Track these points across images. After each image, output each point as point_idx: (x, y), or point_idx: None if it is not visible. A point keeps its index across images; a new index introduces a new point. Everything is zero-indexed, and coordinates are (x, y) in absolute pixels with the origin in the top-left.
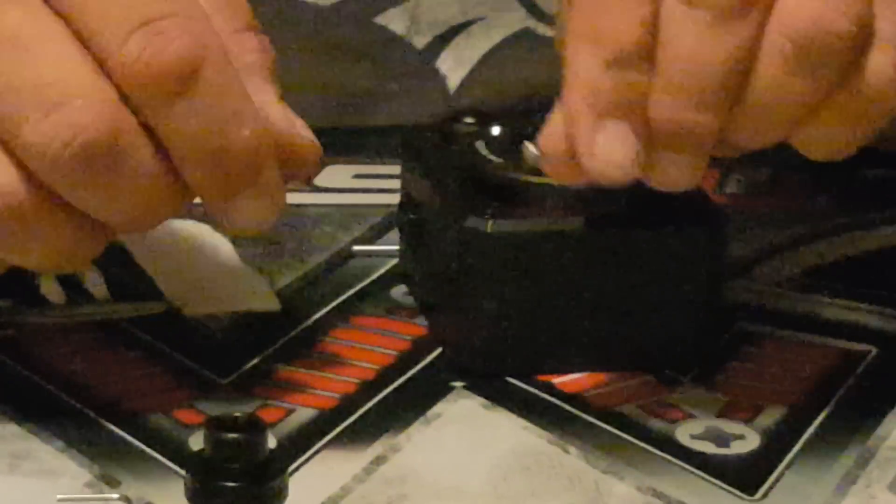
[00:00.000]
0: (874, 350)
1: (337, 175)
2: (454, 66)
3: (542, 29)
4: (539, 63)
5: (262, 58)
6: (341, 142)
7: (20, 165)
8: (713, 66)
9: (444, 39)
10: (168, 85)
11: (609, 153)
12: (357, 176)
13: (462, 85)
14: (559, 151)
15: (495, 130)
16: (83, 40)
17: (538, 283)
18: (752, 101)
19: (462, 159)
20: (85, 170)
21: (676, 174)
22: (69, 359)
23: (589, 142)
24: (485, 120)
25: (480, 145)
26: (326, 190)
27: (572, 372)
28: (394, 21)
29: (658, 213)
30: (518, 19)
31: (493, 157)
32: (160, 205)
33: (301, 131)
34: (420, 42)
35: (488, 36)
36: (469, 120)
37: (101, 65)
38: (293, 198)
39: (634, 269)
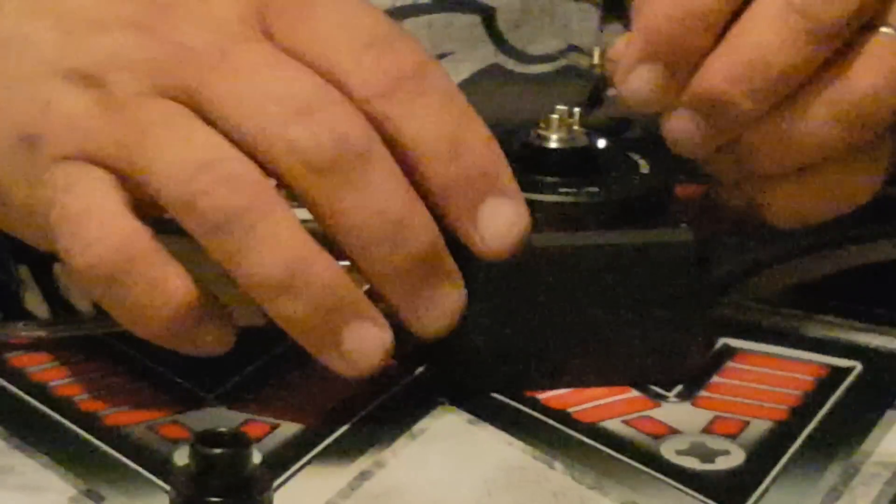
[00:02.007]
0: (859, 366)
1: None
2: None
3: (511, 64)
4: (508, 98)
5: None
6: None
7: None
8: (779, 65)
9: None
10: (406, 86)
11: (638, 89)
12: None
13: None
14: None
15: None
16: (316, 67)
17: (523, 300)
18: (790, 121)
19: None
20: (346, 164)
21: (693, 135)
22: (54, 374)
23: (628, 71)
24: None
25: None
26: None
27: (559, 388)
28: None
29: (641, 230)
30: (487, 55)
31: None
32: (406, 210)
33: None
34: None
35: (457, 70)
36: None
37: (339, 87)
38: None
39: (618, 285)
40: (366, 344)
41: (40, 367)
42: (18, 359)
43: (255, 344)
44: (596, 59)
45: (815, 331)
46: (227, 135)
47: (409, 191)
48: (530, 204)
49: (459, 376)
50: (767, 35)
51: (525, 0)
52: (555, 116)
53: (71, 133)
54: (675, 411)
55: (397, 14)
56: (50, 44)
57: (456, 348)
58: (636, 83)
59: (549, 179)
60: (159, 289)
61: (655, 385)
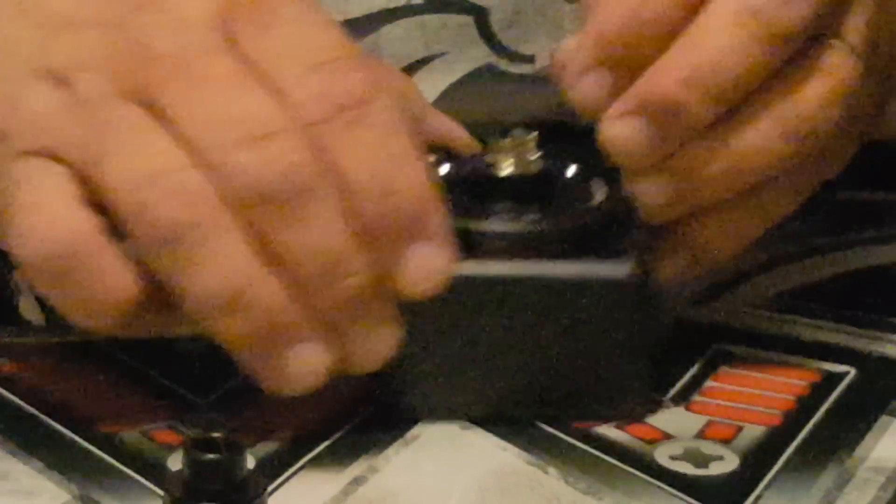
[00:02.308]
0: (853, 371)
1: None
2: None
3: (505, 64)
4: (501, 98)
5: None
6: None
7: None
8: (733, 70)
9: (406, 74)
10: (345, 115)
11: (588, 95)
12: None
13: None
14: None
15: (441, 170)
16: (265, 79)
17: (455, 328)
18: (737, 135)
19: None
20: (290, 197)
21: (637, 142)
22: (48, 379)
23: (578, 76)
24: (446, 157)
25: None
26: None
27: (494, 419)
28: None
29: (581, 262)
30: (480, 55)
31: None
32: (346, 247)
33: (459, 132)
34: None
35: (450, 71)
36: (429, 158)
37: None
38: None
39: (552, 319)
40: (304, 366)
41: (34, 372)
42: (12, 365)
43: None
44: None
45: (809, 336)
46: (183, 145)
47: (349, 227)
48: (469, 233)
49: (396, 402)
50: (722, 39)
51: (517, 0)
52: (507, 141)
53: (36, 130)
54: (668, 416)
55: (391, 15)
56: (27, 43)
57: (391, 375)
58: (586, 89)
59: (499, 207)
60: (102, 283)
61: (594, 420)
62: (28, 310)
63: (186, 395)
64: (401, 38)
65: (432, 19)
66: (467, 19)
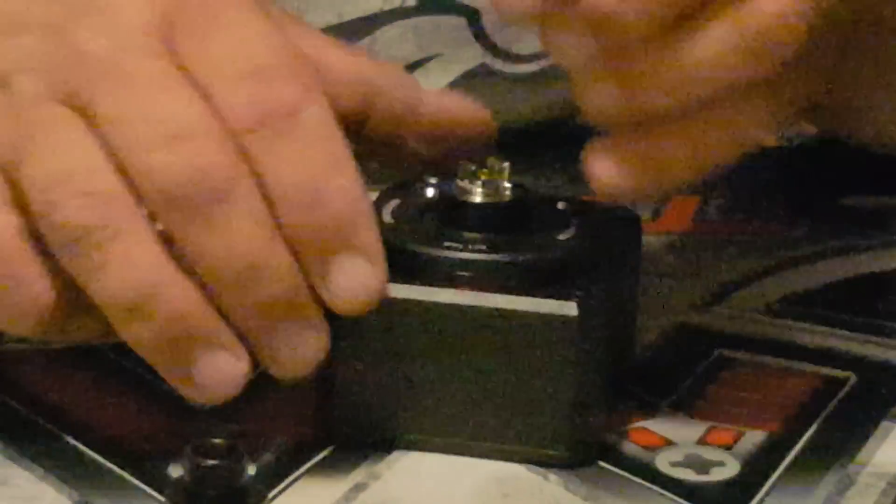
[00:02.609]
0: (853, 377)
1: None
2: None
3: (500, 65)
4: (497, 98)
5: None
6: None
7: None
8: None
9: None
10: (274, 124)
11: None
12: None
13: None
14: None
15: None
16: (195, 84)
17: (395, 354)
18: (688, 45)
19: None
20: (202, 200)
21: (576, 53)
22: (48, 384)
23: None
24: (422, 181)
25: (387, 210)
26: None
27: (434, 450)
28: None
29: (528, 296)
30: (475, 55)
31: (392, 222)
32: (261, 254)
33: (472, 111)
34: None
35: (446, 72)
36: (432, 180)
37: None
38: None
39: (493, 352)
40: (218, 374)
41: (34, 378)
42: (12, 370)
43: None
44: None
45: (810, 341)
46: (104, 146)
47: (269, 234)
48: (424, 257)
49: (333, 427)
50: None
51: None
52: (480, 168)
53: None
54: (669, 422)
55: (385, 18)
56: None
57: (331, 398)
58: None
59: (465, 235)
60: (18, 288)
61: (541, 462)
62: None
63: (184, 400)
64: (395, 41)
65: (426, 21)
66: (460, 21)
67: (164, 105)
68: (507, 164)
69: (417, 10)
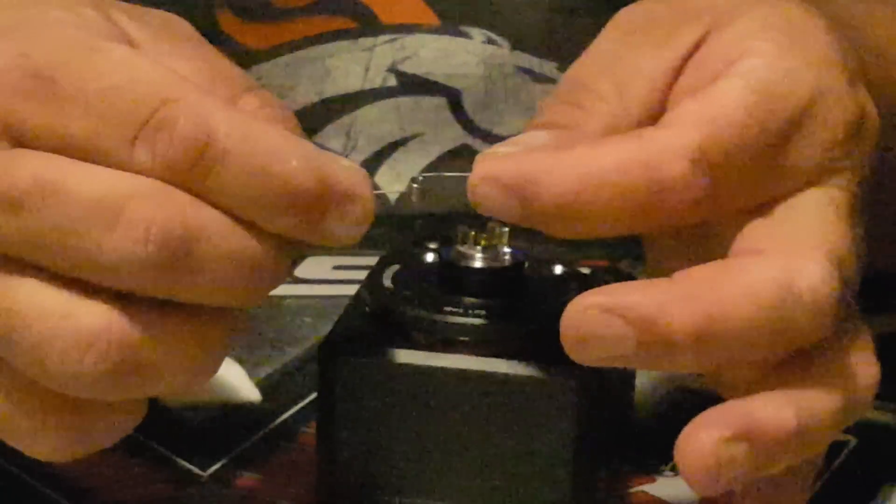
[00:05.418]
0: (853, 441)
1: (317, 266)
2: (392, 181)
3: (479, 145)
4: None
5: (271, 111)
6: None
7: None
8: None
9: (381, 155)
10: (194, 165)
11: None
12: (337, 267)
13: (401, 200)
14: None
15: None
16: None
17: (393, 418)
18: None
19: (369, 287)
20: (174, 259)
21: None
22: None
23: None
24: (424, 247)
25: (387, 275)
26: (306, 281)
27: None
28: (331, 139)
29: (526, 363)
30: (455, 136)
31: (392, 287)
32: (259, 272)
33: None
34: (358, 158)
35: (426, 152)
36: (432, 245)
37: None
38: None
39: (488, 418)
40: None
41: None
42: None
43: (249, 420)
44: None
45: None
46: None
47: (245, 235)
48: (424, 322)
49: (333, 490)
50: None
51: (489, 82)
52: (472, 233)
53: None
54: (669, 485)
55: (366, 96)
56: None
57: (330, 463)
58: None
59: (464, 299)
60: None
61: None
62: None
63: (187, 466)
64: (377, 120)
65: (407, 101)
66: (441, 101)
67: (92, 185)
68: (506, 230)
69: (399, 90)
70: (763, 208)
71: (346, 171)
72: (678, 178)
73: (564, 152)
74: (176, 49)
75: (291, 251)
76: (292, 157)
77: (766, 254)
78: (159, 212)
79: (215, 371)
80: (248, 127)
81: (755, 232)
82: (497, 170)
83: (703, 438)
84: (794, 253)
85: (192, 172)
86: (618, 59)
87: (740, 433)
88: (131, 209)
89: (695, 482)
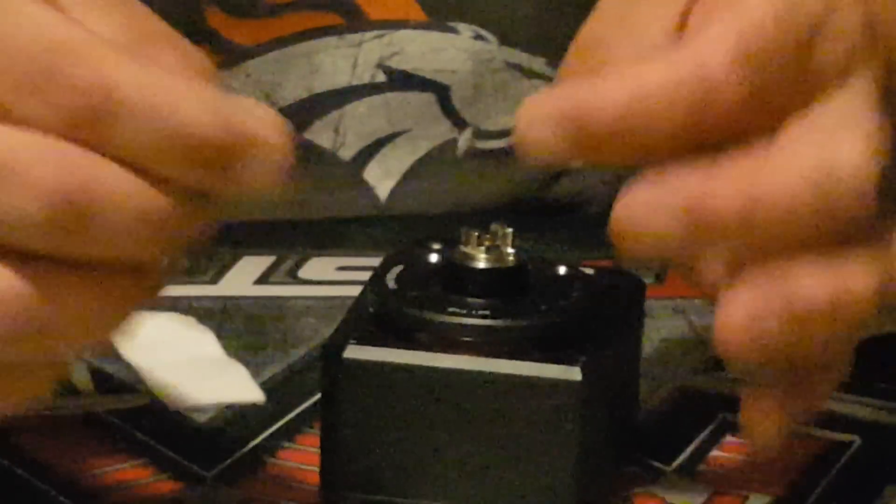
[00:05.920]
0: (858, 440)
1: (320, 267)
2: (382, 177)
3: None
4: (466, 174)
5: (187, 63)
6: (324, 234)
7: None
8: None
9: (370, 151)
10: (89, 117)
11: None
12: (340, 268)
13: (391, 195)
14: None
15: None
16: None
17: (396, 417)
18: None
19: (372, 288)
20: (70, 218)
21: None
22: (52, 451)
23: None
24: (427, 248)
25: (391, 275)
26: (309, 282)
27: None
28: (319, 135)
29: (531, 362)
30: (443, 131)
31: (396, 288)
32: (166, 227)
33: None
34: (346, 154)
35: (414, 147)
36: (436, 246)
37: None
38: (276, 290)
39: (494, 417)
40: None
41: (38, 444)
42: (19, 437)
43: (254, 421)
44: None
45: None
46: None
47: (147, 190)
48: (431, 324)
49: (336, 491)
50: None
51: (477, 78)
52: (476, 234)
53: None
54: (674, 486)
55: (354, 92)
56: None
57: (333, 465)
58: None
59: (469, 300)
60: None
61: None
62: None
63: (192, 467)
64: (365, 116)
65: (395, 97)
66: (430, 97)
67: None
68: (510, 230)
69: (387, 86)
70: (796, 116)
71: (254, 118)
72: (723, 79)
73: (610, 75)
74: (98, 4)
75: (206, 203)
76: (194, 106)
77: (807, 139)
78: (53, 170)
79: (128, 329)
80: (148, 76)
81: (793, 131)
82: (546, 108)
83: (743, 305)
84: (834, 137)
85: (89, 125)
86: (628, 12)
87: (775, 306)
88: (23, 167)
89: (731, 343)
